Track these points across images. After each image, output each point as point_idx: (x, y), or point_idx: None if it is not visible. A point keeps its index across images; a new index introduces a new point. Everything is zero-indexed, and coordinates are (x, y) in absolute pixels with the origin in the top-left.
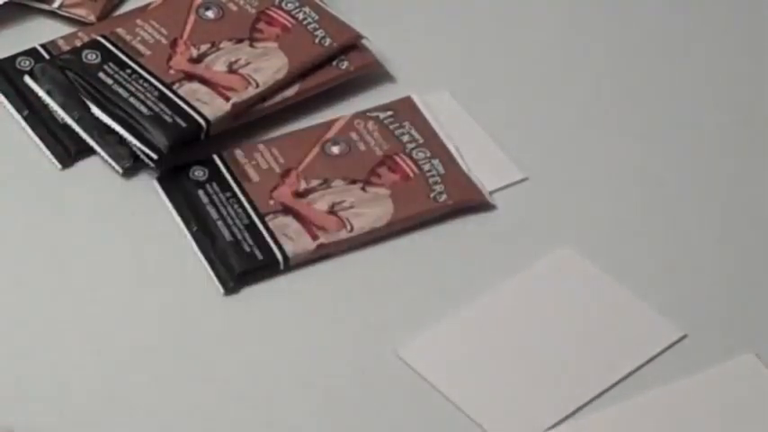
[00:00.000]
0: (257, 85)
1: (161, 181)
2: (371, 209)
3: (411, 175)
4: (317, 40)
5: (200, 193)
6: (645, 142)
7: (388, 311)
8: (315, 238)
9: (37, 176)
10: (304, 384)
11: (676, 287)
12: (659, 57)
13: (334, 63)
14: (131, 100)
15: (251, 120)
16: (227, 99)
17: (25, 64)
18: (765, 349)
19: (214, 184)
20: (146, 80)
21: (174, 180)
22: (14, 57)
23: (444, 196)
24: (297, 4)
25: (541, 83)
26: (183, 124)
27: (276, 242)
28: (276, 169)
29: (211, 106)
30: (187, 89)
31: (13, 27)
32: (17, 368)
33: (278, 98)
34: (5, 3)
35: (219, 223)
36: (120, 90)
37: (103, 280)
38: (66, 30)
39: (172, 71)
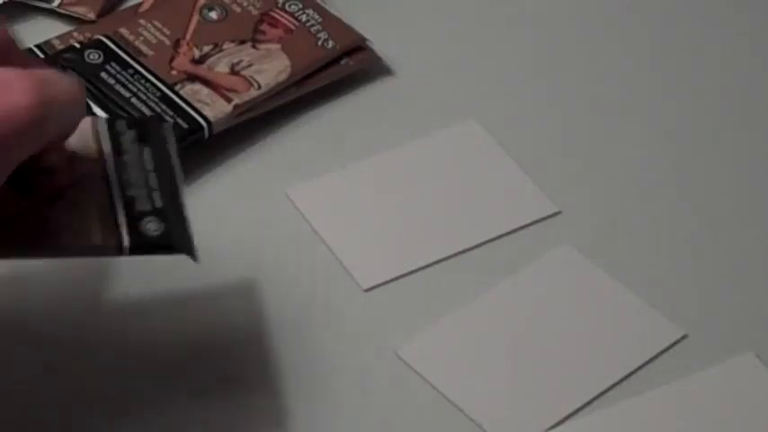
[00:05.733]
0: (259, 87)
1: None
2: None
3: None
4: (319, 43)
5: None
6: (645, 142)
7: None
8: (228, 100)
9: None
10: (302, 384)
11: (676, 287)
12: (674, 57)
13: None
14: (133, 100)
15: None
16: (229, 100)
17: None
18: (765, 349)
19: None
20: (148, 80)
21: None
22: None
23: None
24: (300, 6)
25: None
26: (185, 125)
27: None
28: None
29: (213, 107)
30: (189, 90)
31: (10, 27)
32: (17, 367)
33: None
34: (5, 2)
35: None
36: (122, 90)
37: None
38: (64, 29)
39: (174, 72)
